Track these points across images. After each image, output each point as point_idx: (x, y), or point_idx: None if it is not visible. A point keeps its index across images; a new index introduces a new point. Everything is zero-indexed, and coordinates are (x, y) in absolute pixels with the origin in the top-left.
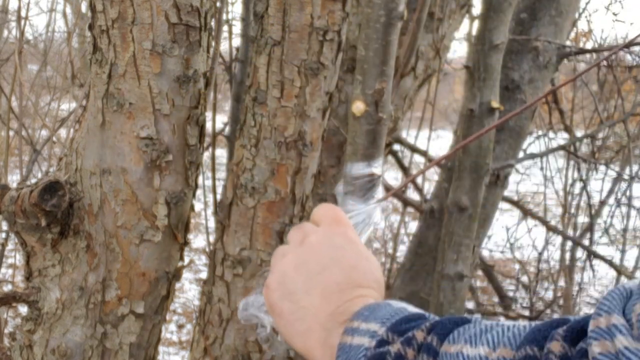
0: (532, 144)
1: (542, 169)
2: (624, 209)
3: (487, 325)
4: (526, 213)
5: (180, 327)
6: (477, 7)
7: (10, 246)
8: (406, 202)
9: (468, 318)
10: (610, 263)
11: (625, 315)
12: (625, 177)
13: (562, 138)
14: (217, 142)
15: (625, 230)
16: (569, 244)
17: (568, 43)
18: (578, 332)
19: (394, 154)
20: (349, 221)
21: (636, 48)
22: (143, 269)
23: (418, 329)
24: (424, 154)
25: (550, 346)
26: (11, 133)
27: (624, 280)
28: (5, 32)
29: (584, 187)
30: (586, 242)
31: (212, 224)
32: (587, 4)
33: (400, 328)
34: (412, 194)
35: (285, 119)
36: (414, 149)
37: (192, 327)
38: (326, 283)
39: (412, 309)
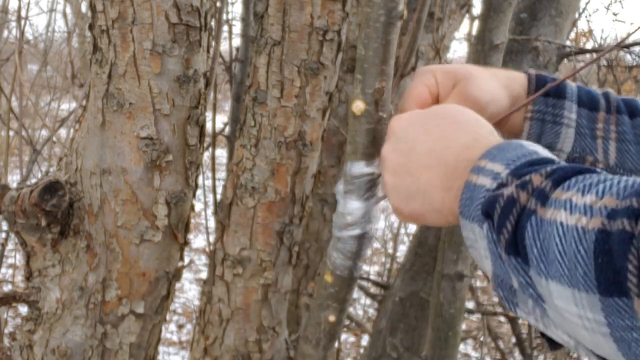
0: None
1: None
2: None
3: (607, 177)
4: None
5: (180, 327)
6: (477, 7)
7: (10, 246)
8: None
9: (592, 168)
10: None
11: None
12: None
13: None
14: (217, 142)
15: None
16: None
17: (568, 43)
18: None
19: None
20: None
21: (636, 48)
22: (143, 269)
23: (537, 172)
24: None
25: None
26: (11, 133)
27: None
28: (5, 32)
29: None
30: None
31: (212, 224)
32: (587, 4)
33: (521, 172)
34: None
35: (285, 119)
36: None
37: (192, 327)
38: (421, 157)
39: (544, 152)
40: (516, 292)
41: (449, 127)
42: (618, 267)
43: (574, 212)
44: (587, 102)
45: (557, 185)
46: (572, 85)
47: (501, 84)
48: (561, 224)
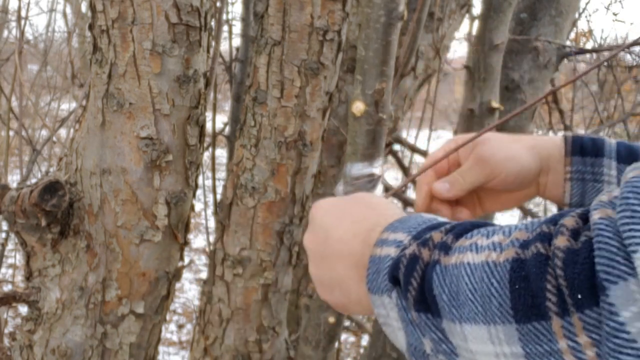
0: None
1: None
2: None
3: (510, 225)
4: (526, 213)
5: (180, 327)
6: (477, 7)
7: (10, 246)
8: (406, 202)
9: (491, 222)
10: None
11: None
12: None
13: None
14: (217, 142)
15: None
16: None
17: (568, 43)
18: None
19: (394, 153)
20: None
21: (636, 48)
22: (143, 269)
23: (437, 230)
24: (424, 154)
25: (564, 221)
26: (11, 133)
27: None
28: (5, 32)
29: None
30: None
31: (212, 224)
32: (587, 4)
33: (423, 234)
34: (412, 194)
35: (285, 119)
36: (414, 149)
37: (192, 327)
38: (333, 250)
39: (443, 219)
40: (429, 357)
41: (358, 212)
42: (535, 289)
43: (481, 251)
44: (627, 158)
45: (459, 236)
46: (611, 142)
47: (524, 145)
48: (468, 263)
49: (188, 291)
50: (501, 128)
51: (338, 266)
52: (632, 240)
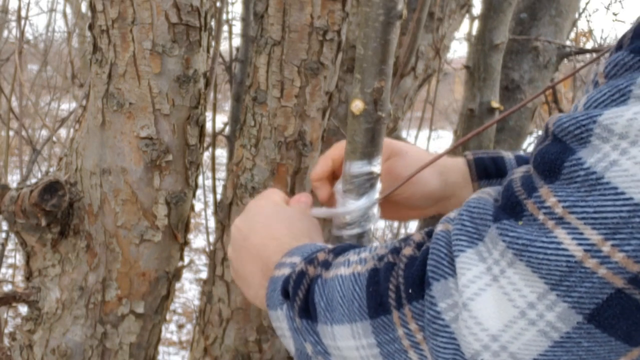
0: (532, 144)
1: None
2: None
3: (377, 244)
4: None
5: (180, 327)
6: (477, 7)
7: (10, 246)
8: None
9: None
10: None
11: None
12: None
13: None
14: (217, 142)
15: None
16: None
17: (568, 43)
18: None
19: None
20: (268, 197)
21: None
22: (143, 269)
23: (322, 251)
24: None
25: (413, 236)
26: (11, 133)
27: None
28: (5, 32)
29: None
30: None
31: (212, 224)
32: (587, 4)
33: (312, 256)
34: None
35: (285, 118)
36: None
37: (192, 327)
38: (249, 251)
39: (332, 247)
40: (311, 358)
41: (280, 230)
42: (383, 290)
43: (350, 265)
44: None
45: (338, 255)
46: (509, 157)
47: (435, 169)
48: (341, 276)
49: (188, 291)
50: (501, 128)
51: (248, 264)
52: (456, 247)
